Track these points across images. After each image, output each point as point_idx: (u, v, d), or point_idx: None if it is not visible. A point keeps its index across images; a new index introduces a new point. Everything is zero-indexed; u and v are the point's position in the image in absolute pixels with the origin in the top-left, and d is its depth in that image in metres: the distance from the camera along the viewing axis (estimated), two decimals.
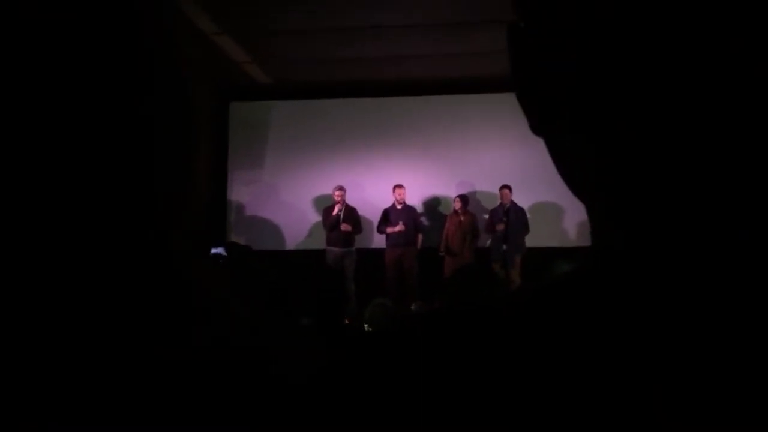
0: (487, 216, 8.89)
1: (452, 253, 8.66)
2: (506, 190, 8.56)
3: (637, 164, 0.29)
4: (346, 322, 3.07)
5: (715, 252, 0.29)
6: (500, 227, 8.51)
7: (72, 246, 0.46)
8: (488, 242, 8.85)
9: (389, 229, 8.81)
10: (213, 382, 0.47)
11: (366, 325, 4.43)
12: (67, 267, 0.46)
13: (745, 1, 0.26)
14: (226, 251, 2.67)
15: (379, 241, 9.14)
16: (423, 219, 9.28)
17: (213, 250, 2.71)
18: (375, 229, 9.07)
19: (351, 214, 8.85)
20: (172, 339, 0.47)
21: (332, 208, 8.82)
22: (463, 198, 8.87)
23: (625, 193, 0.30)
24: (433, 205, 9.61)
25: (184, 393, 0.46)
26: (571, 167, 0.35)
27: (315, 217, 9.58)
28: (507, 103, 9.06)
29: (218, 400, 0.46)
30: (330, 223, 8.77)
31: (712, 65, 0.26)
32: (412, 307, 8.12)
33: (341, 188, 8.83)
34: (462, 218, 8.74)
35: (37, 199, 0.45)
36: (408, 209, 8.96)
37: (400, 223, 8.75)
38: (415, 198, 9.29)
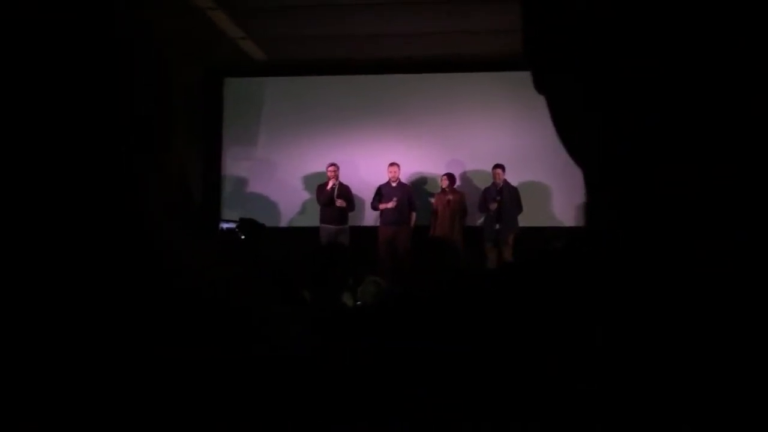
0: (480, 195, 8.90)
1: (442, 233, 8.67)
2: (499, 170, 8.56)
3: (640, 133, 0.29)
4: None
5: (707, 243, 0.29)
6: (493, 206, 8.52)
7: (43, 228, 0.45)
8: (480, 221, 8.87)
9: (382, 206, 8.82)
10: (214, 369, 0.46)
11: (358, 303, 4.45)
12: (37, 248, 0.45)
13: None
14: (238, 228, 2.65)
15: (372, 218, 9.14)
16: (417, 197, 9.28)
17: (223, 225, 2.67)
18: (369, 206, 9.07)
19: (344, 191, 8.85)
20: (158, 326, 0.46)
21: (326, 184, 8.82)
22: (450, 176, 8.85)
23: (624, 164, 0.30)
24: (426, 183, 9.61)
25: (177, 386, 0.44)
26: (571, 126, 0.34)
27: (308, 195, 9.57)
28: (502, 82, 9.06)
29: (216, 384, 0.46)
30: (324, 199, 8.76)
31: (722, 45, 0.27)
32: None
33: (334, 165, 8.82)
34: (450, 197, 8.73)
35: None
36: (402, 187, 8.95)
37: (394, 199, 8.75)
38: (409, 176, 9.29)
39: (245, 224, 2.65)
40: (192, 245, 0.52)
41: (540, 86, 0.36)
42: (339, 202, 8.71)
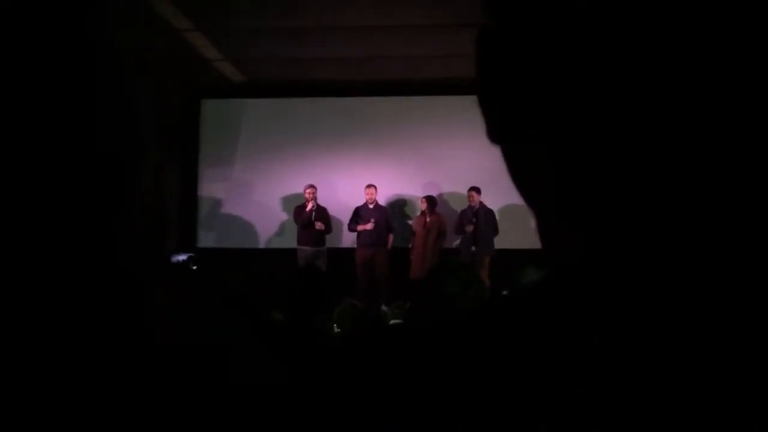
0: (457, 218, 8.94)
1: (418, 255, 8.68)
2: (474, 192, 8.61)
3: (597, 177, 0.29)
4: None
5: (678, 263, 0.28)
6: (469, 228, 8.56)
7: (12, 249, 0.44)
8: (456, 243, 8.89)
9: (360, 227, 8.81)
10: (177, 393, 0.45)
11: (335, 326, 4.43)
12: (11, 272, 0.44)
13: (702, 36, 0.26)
14: (192, 258, 2.62)
15: (349, 240, 9.13)
16: (394, 219, 9.29)
17: (175, 258, 2.64)
18: (346, 228, 9.07)
19: (322, 213, 8.84)
20: (123, 350, 0.45)
21: (304, 206, 8.80)
22: (430, 199, 8.88)
23: (583, 201, 0.30)
24: (403, 205, 9.63)
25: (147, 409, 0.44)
26: (526, 176, 0.34)
27: (285, 216, 9.54)
28: (478, 105, 9.09)
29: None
30: (302, 221, 8.74)
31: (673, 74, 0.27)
32: (383, 308, 8.13)
33: (313, 186, 8.81)
34: (428, 219, 8.76)
35: None
36: (379, 208, 8.97)
37: (372, 221, 8.76)
38: (386, 198, 9.31)
39: (197, 257, 2.64)
40: (164, 294, 0.50)
41: (492, 138, 0.36)
42: (318, 225, 8.69)
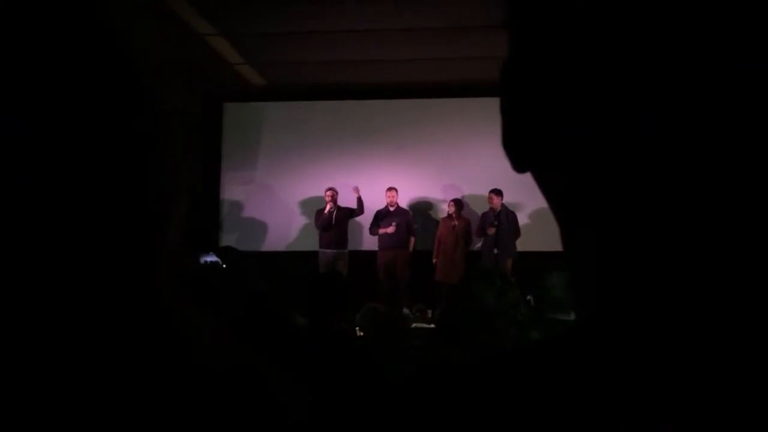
0: (478, 220, 8.91)
1: (445, 258, 8.67)
2: (494, 195, 8.57)
3: (630, 209, 0.29)
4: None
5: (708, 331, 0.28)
6: (491, 231, 8.52)
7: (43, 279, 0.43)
8: (478, 245, 8.86)
9: (381, 230, 8.81)
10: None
11: (357, 329, 4.43)
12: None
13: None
14: (219, 257, 2.64)
15: (370, 243, 9.14)
16: (416, 222, 9.28)
17: (204, 259, 2.66)
18: (367, 231, 9.07)
19: (343, 213, 8.86)
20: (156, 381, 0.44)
21: (324, 209, 8.83)
22: (457, 202, 8.88)
23: (616, 259, 0.30)
24: (424, 208, 9.62)
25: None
26: (554, 204, 0.34)
27: (306, 219, 9.57)
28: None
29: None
30: (322, 223, 8.76)
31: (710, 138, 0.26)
32: (404, 311, 8.13)
33: (332, 189, 8.83)
34: (456, 222, 8.74)
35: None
36: (400, 211, 8.96)
37: (393, 224, 8.75)
38: (407, 201, 9.30)
39: (225, 252, 2.64)
40: (199, 319, 0.50)
41: (521, 169, 0.35)
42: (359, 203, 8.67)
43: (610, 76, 0.28)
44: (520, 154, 0.34)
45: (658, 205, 0.27)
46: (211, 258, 2.61)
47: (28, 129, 0.42)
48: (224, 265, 2.60)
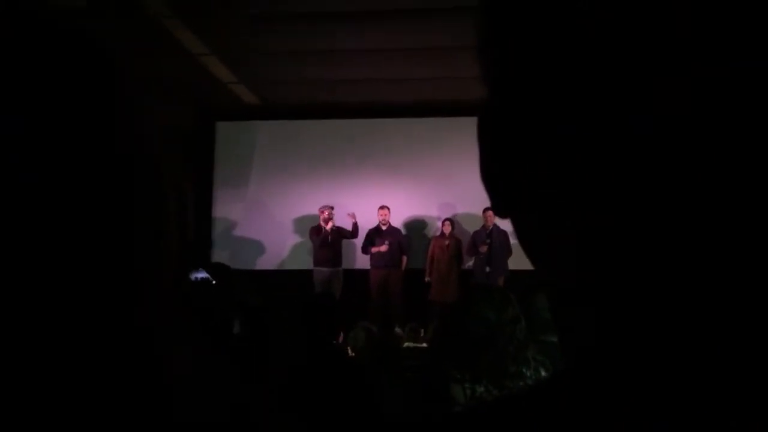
0: (469, 238, 8.92)
1: (439, 277, 8.67)
2: (490, 213, 8.60)
3: (611, 259, 0.28)
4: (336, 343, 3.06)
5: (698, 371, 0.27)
6: (483, 249, 8.54)
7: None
8: (469, 264, 8.86)
9: (374, 249, 8.80)
10: None
11: (349, 349, 4.41)
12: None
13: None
14: (211, 273, 2.62)
15: (362, 261, 9.12)
16: (408, 241, 9.28)
17: (194, 275, 2.62)
18: (360, 250, 9.06)
19: (339, 233, 8.85)
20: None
21: (319, 227, 8.81)
22: (452, 221, 8.91)
23: (598, 281, 0.29)
24: (417, 227, 9.62)
25: None
26: (538, 255, 0.33)
27: (299, 237, 9.55)
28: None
29: None
30: (319, 241, 8.73)
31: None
32: (396, 330, 8.10)
33: (330, 207, 8.83)
34: (448, 241, 8.76)
35: None
36: (392, 230, 8.96)
37: (386, 242, 8.75)
38: (399, 220, 9.31)
39: (215, 269, 2.62)
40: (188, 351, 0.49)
41: (498, 213, 0.35)
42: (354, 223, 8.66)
43: (608, 76, 0.27)
44: (508, 201, 0.34)
45: (657, 206, 0.27)
46: (202, 274, 2.59)
47: (27, 131, 0.42)
48: (214, 282, 2.58)
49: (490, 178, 0.34)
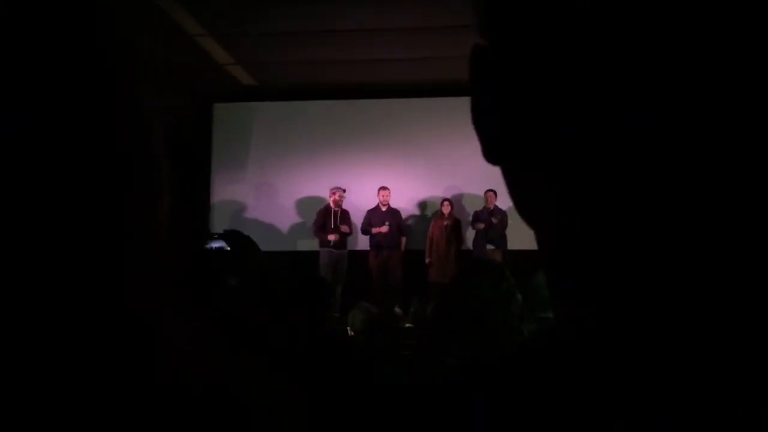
0: (470, 218, 8.95)
1: (438, 258, 8.69)
2: (492, 194, 8.62)
3: (600, 206, 0.28)
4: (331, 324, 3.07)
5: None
6: (480, 226, 8.66)
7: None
8: (468, 245, 8.90)
9: (374, 230, 8.82)
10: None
11: (348, 329, 4.43)
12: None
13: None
14: (225, 240, 2.62)
15: (362, 243, 9.13)
16: (407, 221, 9.29)
17: (210, 244, 2.63)
18: (359, 230, 9.08)
19: (345, 216, 8.87)
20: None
21: (326, 209, 8.83)
22: (451, 202, 8.93)
23: (587, 233, 0.29)
24: (417, 207, 9.62)
25: None
26: (527, 203, 0.33)
27: (299, 219, 9.56)
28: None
29: None
30: (327, 224, 8.75)
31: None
32: (396, 310, 8.13)
33: (339, 189, 8.86)
34: (447, 222, 8.77)
35: None
36: (392, 211, 8.96)
37: (387, 223, 8.76)
38: (399, 201, 9.30)
39: (230, 236, 2.63)
40: (183, 329, 0.49)
41: (488, 159, 0.35)
42: (344, 228, 8.72)
43: (608, 76, 0.27)
44: (500, 147, 0.34)
45: (656, 206, 0.27)
46: (217, 243, 2.59)
47: (27, 129, 0.42)
48: (229, 249, 2.59)
49: (480, 124, 0.34)
